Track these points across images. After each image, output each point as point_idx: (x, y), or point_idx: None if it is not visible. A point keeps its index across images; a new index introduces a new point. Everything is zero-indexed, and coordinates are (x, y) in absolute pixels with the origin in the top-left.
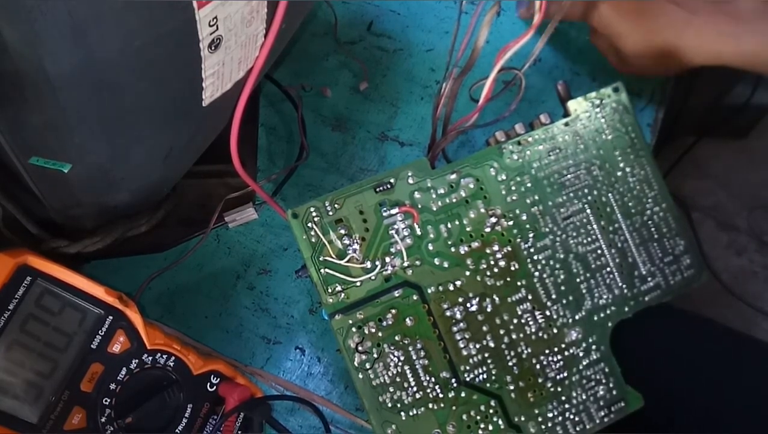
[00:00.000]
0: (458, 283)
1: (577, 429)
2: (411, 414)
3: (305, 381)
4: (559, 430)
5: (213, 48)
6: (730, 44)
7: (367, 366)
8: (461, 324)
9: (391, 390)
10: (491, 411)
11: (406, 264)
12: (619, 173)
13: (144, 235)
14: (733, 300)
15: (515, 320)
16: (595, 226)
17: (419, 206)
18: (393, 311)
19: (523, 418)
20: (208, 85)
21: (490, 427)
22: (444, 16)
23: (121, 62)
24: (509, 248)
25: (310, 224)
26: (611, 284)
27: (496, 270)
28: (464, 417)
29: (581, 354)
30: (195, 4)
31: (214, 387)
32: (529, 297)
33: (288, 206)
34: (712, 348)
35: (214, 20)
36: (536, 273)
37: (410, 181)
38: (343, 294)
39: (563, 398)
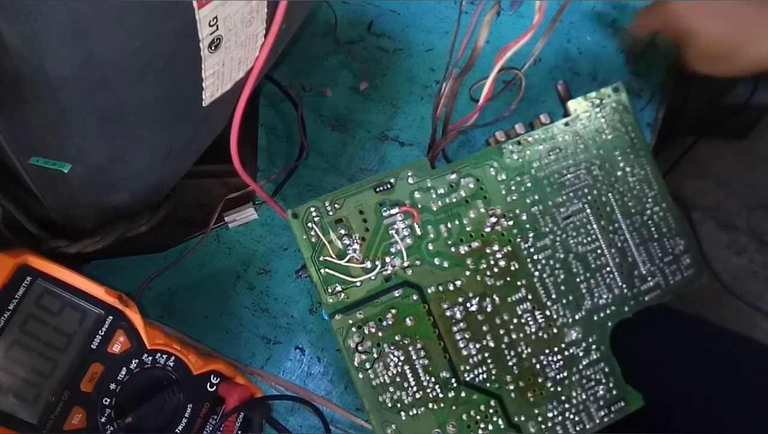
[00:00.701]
0: (458, 283)
1: (577, 428)
2: (411, 413)
3: (305, 381)
4: (559, 430)
5: (213, 48)
6: None
7: (367, 365)
8: (461, 324)
9: (391, 389)
10: (491, 410)
11: (406, 264)
12: (619, 173)
13: (144, 235)
14: (733, 300)
15: (515, 320)
16: (595, 226)
17: (419, 206)
18: (393, 311)
19: (523, 418)
20: (208, 85)
21: (490, 427)
22: (444, 16)
23: (121, 62)
24: (509, 248)
25: (310, 224)
26: (611, 284)
27: (496, 270)
28: (464, 416)
29: (581, 354)
30: (195, 4)
31: (214, 387)
32: (529, 297)
33: (288, 206)
34: (711, 349)
35: (214, 20)
36: (536, 273)
37: (410, 181)
38: (343, 294)
39: (563, 398)
